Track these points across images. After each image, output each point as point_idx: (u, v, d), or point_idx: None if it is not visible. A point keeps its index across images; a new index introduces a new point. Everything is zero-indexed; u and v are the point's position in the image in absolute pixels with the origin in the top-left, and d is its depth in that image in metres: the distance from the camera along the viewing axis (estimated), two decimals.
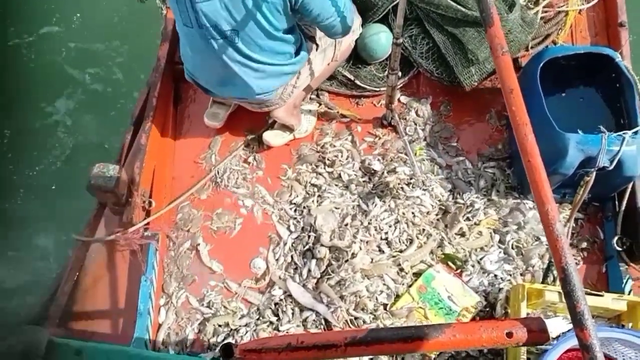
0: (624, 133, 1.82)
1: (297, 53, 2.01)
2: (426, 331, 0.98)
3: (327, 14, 1.85)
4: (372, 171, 2.24)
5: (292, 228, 2.15)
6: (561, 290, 1.68)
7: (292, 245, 2.11)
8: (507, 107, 1.22)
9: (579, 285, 0.97)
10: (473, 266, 2.01)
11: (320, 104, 2.46)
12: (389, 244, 2.06)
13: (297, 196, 2.24)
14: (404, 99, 2.45)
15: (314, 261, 2.03)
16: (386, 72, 2.41)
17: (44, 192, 3.11)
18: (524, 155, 1.15)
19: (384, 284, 1.98)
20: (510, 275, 2.00)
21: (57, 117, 3.44)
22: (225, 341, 1.88)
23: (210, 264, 2.11)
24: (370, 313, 1.93)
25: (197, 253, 2.14)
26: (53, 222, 2.92)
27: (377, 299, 1.95)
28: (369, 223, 2.09)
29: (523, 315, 1.72)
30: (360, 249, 2.02)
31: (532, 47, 2.40)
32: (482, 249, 2.06)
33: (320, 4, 1.82)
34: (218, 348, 1.81)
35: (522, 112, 1.19)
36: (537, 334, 0.97)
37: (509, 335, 0.95)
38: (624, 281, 1.94)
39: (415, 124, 2.37)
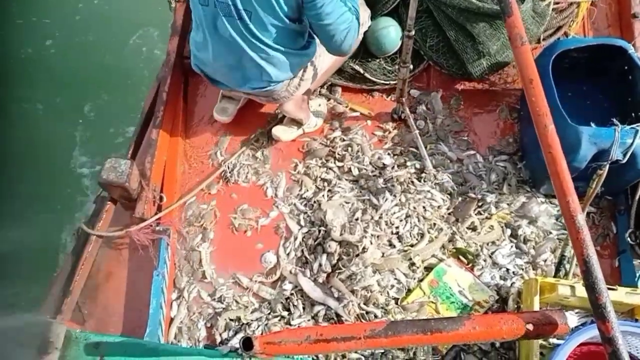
0: (637, 126, 1.80)
1: (306, 46, 2.00)
2: (445, 324, 0.98)
3: (331, 17, 1.79)
4: (383, 165, 2.24)
5: (302, 222, 2.15)
6: (574, 285, 1.69)
7: (302, 240, 2.11)
8: (526, 97, 1.21)
9: (601, 278, 0.97)
10: (485, 260, 2.00)
11: (329, 99, 2.45)
12: (399, 238, 2.06)
13: (307, 190, 2.23)
14: (414, 92, 2.44)
15: (324, 256, 2.02)
16: (395, 66, 2.41)
17: (53, 184, 3.13)
18: (545, 146, 1.15)
19: (395, 279, 1.97)
20: (522, 269, 1.99)
21: (66, 112, 3.45)
22: (239, 336, 1.90)
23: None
24: (382, 307, 1.93)
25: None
26: (61, 215, 2.94)
27: (388, 293, 1.95)
28: (379, 217, 2.08)
29: (536, 309, 1.71)
30: (371, 243, 2.01)
31: (544, 39, 2.38)
32: (493, 243, 2.05)
33: (328, 2, 1.75)
34: (232, 341, 1.83)
35: (542, 102, 1.19)
36: (557, 326, 0.97)
37: (530, 327, 0.95)
38: (637, 275, 1.93)
39: (426, 118, 2.37)
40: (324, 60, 2.17)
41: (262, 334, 1.90)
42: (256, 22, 1.80)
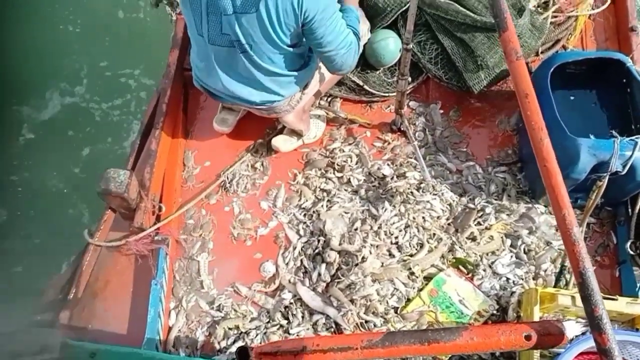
0: (636, 137, 1.81)
1: (305, 63, 2.02)
2: (443, 334, 0.97)
3: (332, 44, 1.82)
4: (382, 176, 2.24)
5: (302, 232, 2.15)
6: (574, 294, 1.69)
7: (301, 250, 2.11)
8: (522, 111, 1.21)
9: (597, 289, 0.96)
10: (484, 270, 2.00)
11: (328, 113, 2.46)
12: (399, 248, 2.05)
13: (307, 201, 2.24)
14: (413, 104, 2.45)
15: (323, 265, 2.02)
16: (395, 77, 2.42)
17: (55, 195, 3.13)
18: (540, 159, 1.15)
19: (395, 288, 1.97)
20: (522, 279, 1.99)
21: (68, 122, 3.47)
22: (238, 344, 1.89)
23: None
24: (381, 316, 1.92)
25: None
26: (62, 225, 2.94)
27: (387, 302, 1.94)
28: (379, 227, 2.08)
29: (536, 319, 1.71)
30: (370, 253, 2.01)
31: (542, 52, 2.40)
32: (493, 253, 2.05)
33: (329, 31, 1.78)
34: (229, 350, 1.82)
35: (538, 116, 1.19)
36: (556, 337, 0.96)
37: (528, 338, 0.94)
38: (638, 285, 1.93)
39: (425, 129, 2.38)
40: (325, 73, 2.19)
41: (260, 342, 1.90)
42: (258, 52, 1.83)
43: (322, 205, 2.19)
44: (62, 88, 3.61)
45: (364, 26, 2.28)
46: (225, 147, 2.42)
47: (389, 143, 2.36)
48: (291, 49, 1.87)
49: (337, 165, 2.30)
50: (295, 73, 1.98)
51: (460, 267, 2.02)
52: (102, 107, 3.48)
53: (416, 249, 2.05)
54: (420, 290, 1.97)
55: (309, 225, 2.16)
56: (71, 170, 3.23)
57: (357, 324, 1.90)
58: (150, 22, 3.76)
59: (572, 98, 2.24)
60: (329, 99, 2.50)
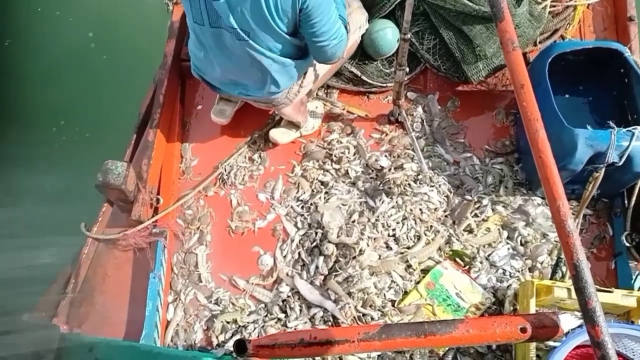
0: (633, 128, 1.81)
1: (303, 55, 2.01)
2: (439, 327, 0.98)
3: (326, 34, 1.81)
4: (379, 168, 2.24)
5: (299, 225, 2.16)
6: (571, 287, 1.69)
7: (299, 242, 2.11)
8: (517, 102, 1.21)
9: (591, 282, 0.97)
10: (481, 263, 2.00)
11: (325, 104, 2.45)
12: (396, 240, 2.06)
13: (304, 193, 2.23)
14: (411, 95, 2.44)
15: (321, 258, 2.03)
16: (392, 68, 2.41)
17: (52, 189, 3.12)
18: (535, 151, 1.15)
19: (392, 281, 1.98)
20: (519, 271, 1.99)
21: (64, 115, 3.45)
22: (236, 338, 1.90)
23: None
24: (378, 310, 1.93)
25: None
26: (61, 219, 2.93)
27: (384, 295, 1.95)
28: (376, 220, 2.08)
29: (532, 312, 1.72)
30: (368, 245, 2.02)
31: (540, 42, 2.39)
32: (490, 245, 2.06)
33: (324, 21, 1.77)
34: (228, 344, 1.83)
35: (533, 107, 1.19)
36: (551, 329, 0.97)
37: (523, 330, 0.95)
38: (634, 277, 1.93)
39: (422, 120, 2.37)
40: (322, 65, 2.17)
41: (258, 336, 1.91)
42: (256, 40, 1.81)
43: (319, 197, 2.19)
44: (56, 80, 3.58)
45: (362, 16, 2.26)
46: (223, 138, 2.41)
47: (387, 134, 2.35)
48: (289, 38, 1.85)
49: (335, 156, 2.30)
50: (294, 63, 1.96)
51: (457, 259, 2.03)
52: (97, 98, 3.46)
53: (413, 241, 2.06)
54: (417, 283, 1.98)
55: (306, 218, 2.16)
56: (67, 164, 3.22)
57: (354, 317, 1.91)
58: (146, 11, 3.72)
59: (570, 88, 2.23)
60: (327, 90, 2.49)
